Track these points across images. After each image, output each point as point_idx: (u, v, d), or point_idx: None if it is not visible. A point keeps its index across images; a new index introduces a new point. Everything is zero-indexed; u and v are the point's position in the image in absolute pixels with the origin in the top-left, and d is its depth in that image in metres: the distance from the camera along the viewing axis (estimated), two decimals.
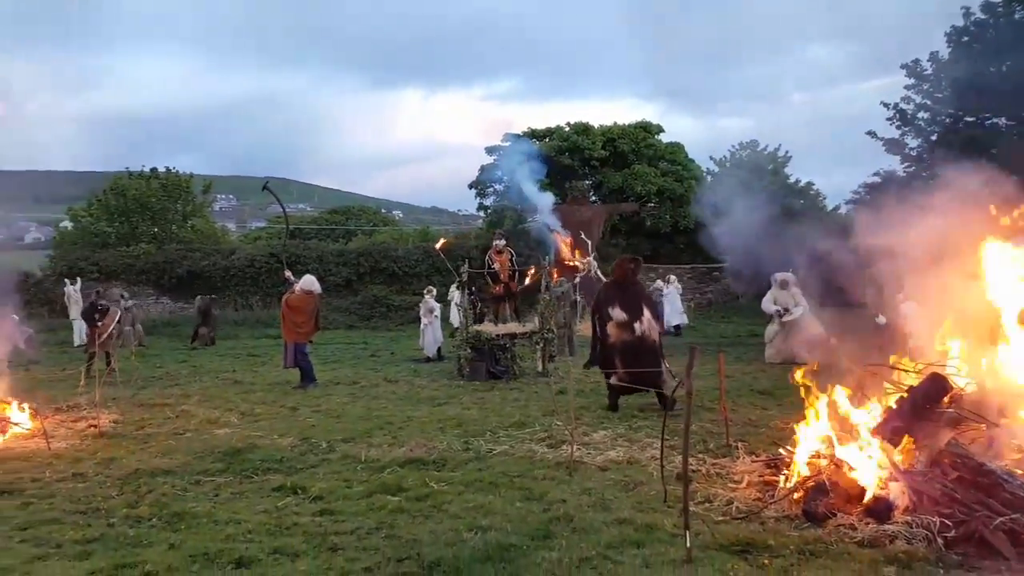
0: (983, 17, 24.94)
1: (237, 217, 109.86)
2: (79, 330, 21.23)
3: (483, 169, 33.78)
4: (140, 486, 7.75)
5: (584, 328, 17.69)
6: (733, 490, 7.30)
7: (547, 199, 22.83)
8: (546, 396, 12.17)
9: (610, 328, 11.41)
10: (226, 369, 17.17)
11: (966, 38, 25.19)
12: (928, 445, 6.72)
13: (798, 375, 7.71)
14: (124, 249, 30.57)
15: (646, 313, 11.33)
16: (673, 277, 25.52)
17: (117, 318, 15.89)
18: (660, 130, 34.14)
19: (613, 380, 11.33)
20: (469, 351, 15.17)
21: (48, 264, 30.15)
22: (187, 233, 34.53)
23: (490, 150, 33.91)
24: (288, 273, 15.51)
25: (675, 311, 24.40)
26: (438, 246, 19.82)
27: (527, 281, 17.55)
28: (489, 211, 34.62)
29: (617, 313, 11.37)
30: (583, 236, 22.43)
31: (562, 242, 21.44)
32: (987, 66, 23.77)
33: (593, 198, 31.88)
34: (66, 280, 24.33)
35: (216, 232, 41.10)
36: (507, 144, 32.51)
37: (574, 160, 32.10)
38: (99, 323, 15.69)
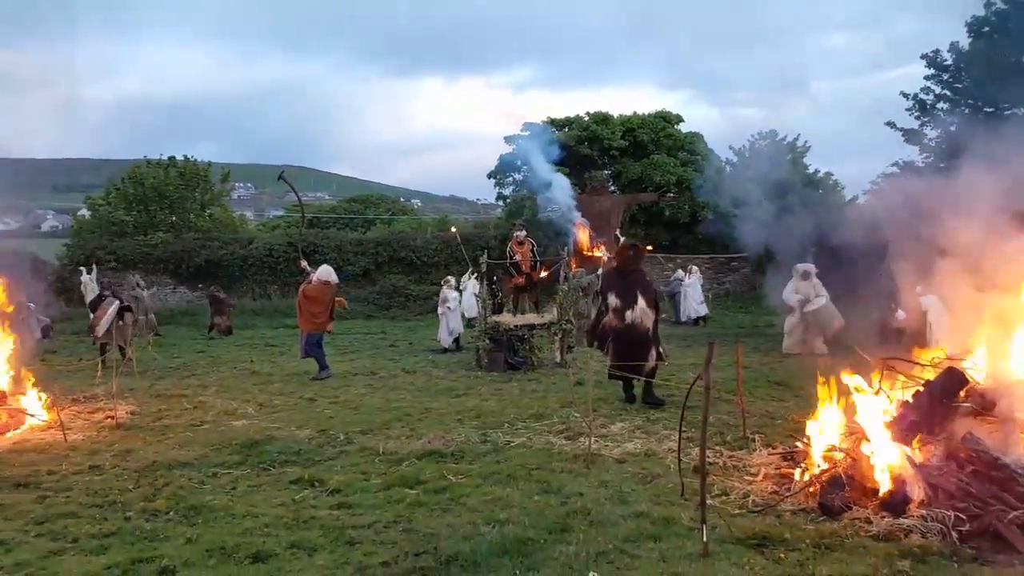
0: (1004, 7, 24.74)
1: (255, 206, 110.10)
2: None
3: (502, 158, 33.70)
4: (157, 479, 7.79)
5: None
6: (750, 483, 7.32)
7: (563, 180, 22.50)
8: (564, 387, 12.14)
9: (609, 314, 11.40)
10: (244, 359, 17.16)
11: (987, 28, 25.01)
12: (944, 439, 6.71)
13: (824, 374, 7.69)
14: (142, 238, 30.58)
15: (640, 302, 11.18)
16: (695, 268, 25.33)
17: (111, 309, 15.65)
18: (679, 120, 33.99)
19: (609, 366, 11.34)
20: (487, 342, 15.18)
21: (65, 253, 30.19)
22: (205, 222, 34.53)
23: (509, 139, 33.83)
24: (304, 263, 15.53)
25: (696, 302, 24.28)
26: (452, 230, 19.82)
27: (543, 274, 17.54)
28: (508, 200, 34.55)
29: (612, 299, 11.35)
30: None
31: (581, 231, 21.36)
32: (1008, 56, 23.60)
33: (612, 188, 31.82)
34: (81, 268, 24.31)
35: (234, 221, 41.08)
36: (526, 133, 32.40)
37: (593, 150, 32.02)
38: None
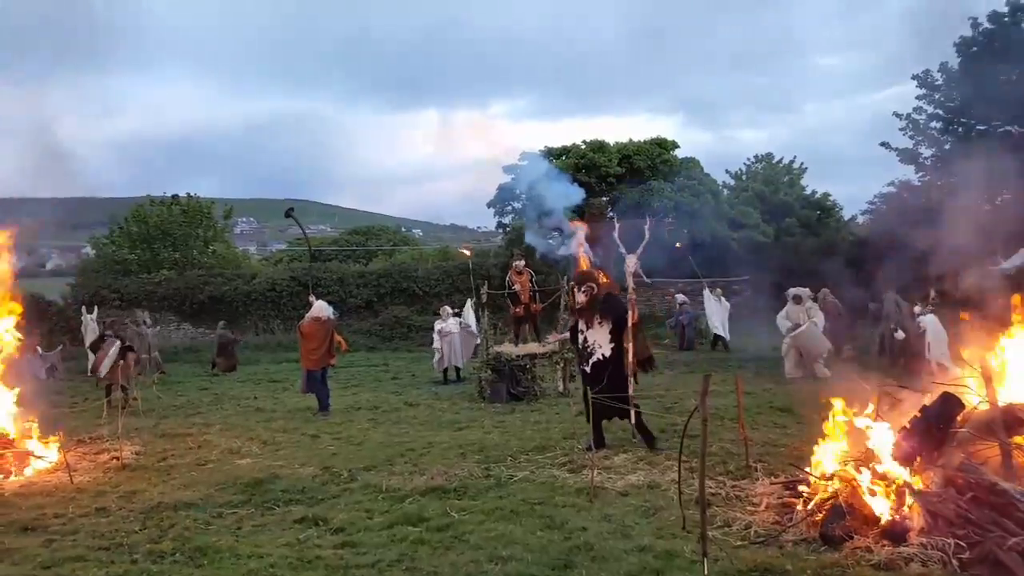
0: (991, 27, 25.01)
1: (258, 240, 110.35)
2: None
3: (501, 188, 33.85)
4: (163, 520, 7.82)
5: None
6: (752, 513, 7.31)
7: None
8: (567, 418, 12.14)
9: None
10: (247, 396, 17.22)
11: (975, 48, 25.24)
12: (942, 465, 6.71)
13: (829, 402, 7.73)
14: (146, 276, 30.77)
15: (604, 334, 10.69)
16: (720, 289, 24.44)
17: (112, 349, 15.55)
18: (675, 146, 34.21)
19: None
20: (490, 373, 15.21)
21: (70, 292, 30.29)
22: (208, 259, 34.62)
23: (507, 169, 33.99)
24: (312, 298, 15.72)
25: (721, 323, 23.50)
26: (465, 251, 19.72)
27: (538, 307, 17.47)
28: (508, 229, 34.67)
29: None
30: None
31: (583, 259, 21.26)
32: (996, 75, 23.81)
33: (610, 214, 31.93)
34: (83, 308, 24.25)
35: (237, 256, 41.17)
36: (524, 163, 32.54)
37: (590, 177, 32.15)
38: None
